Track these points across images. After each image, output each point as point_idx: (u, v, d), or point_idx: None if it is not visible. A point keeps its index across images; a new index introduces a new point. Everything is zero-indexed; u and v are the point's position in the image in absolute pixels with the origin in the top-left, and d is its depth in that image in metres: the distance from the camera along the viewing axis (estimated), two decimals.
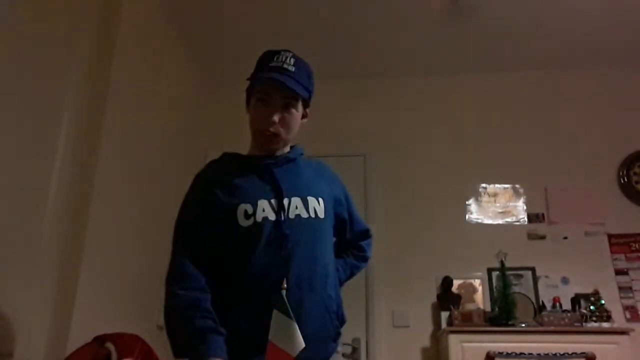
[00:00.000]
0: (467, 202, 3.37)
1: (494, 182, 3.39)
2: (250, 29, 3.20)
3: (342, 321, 1.39)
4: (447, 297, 3.05)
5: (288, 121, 1.41)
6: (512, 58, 3.45)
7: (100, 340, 2.01)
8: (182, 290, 1.26)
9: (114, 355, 1.95)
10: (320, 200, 1.40)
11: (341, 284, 1.51)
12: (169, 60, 3.08)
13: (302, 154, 1.52)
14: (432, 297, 3.15)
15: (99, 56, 2.37)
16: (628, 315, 2.99)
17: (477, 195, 3.38)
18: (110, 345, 1.97)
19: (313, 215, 1.36)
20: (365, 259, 1.62)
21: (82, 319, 2.04)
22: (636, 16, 3.03)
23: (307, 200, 1.37)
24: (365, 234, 1.64)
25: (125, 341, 2.04)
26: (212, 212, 1.35)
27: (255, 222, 1.31)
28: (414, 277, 3.20)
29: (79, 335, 1.99)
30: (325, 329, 1.32)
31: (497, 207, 3.34)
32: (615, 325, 2.74)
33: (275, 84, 1.37)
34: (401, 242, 3.26)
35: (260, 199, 1.34)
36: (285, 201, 1.34)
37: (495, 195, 3.37)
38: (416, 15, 3.07)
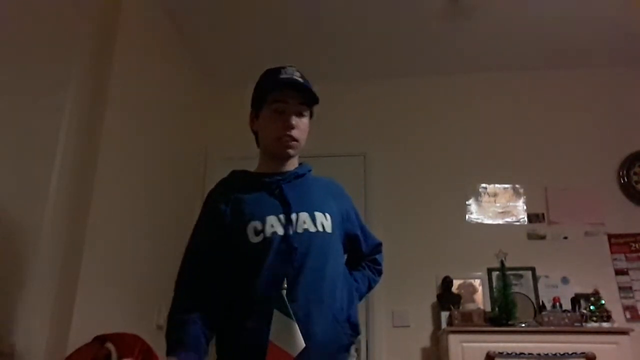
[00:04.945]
0: (467, 202, 3.37)
1: (494, 182, 3.39)
2: (250, 29, 3.20)
3: (355, 331, 1.40)
4: (447, 297, 3.05)
5: (302, 127, 1.46)
6: (512, 58, 3.45)
7: (100, 340, 2.01)
8: (181, 312, 1.32)
9: (114, 355, 1.95)
10: (328, 215, 1.42)
11: (361, 296, 1.53)
12: (169, 60, 3.07)
13: (310, 171, 1.55)
14: (432, 297, 3.15)
15: (99, 57, 2.37)
16: (628, 315, 2.99)
17: (477, 195, 3.38)
18: (110, 345, 1.97)
19: (321, 230, 1.39)
20: (380, 272, 1.65)
21: (82, 319, 2.05)
22: (636, 16, 3.03)
23: (315, 216, 1.40)
24: (378, 248, 1.67)
25: (125, 341, 2.04)
26: (222, 232, 1.39)
27: (264, 237, 1.34)
28: (414, 277, 3.20)
29: (79, 335, 1.99)
30: (336, 339, 1.33)
31: (497, 207, 3.34)
32: (615, 325, 2.74)
33: (290, 91, 1.42)
34: (401, 242, 3.26)
35: (268, 215, 1.37)
36: (293, 216, 1.37)
37: (495, 195, 3.37)
38: (416, 15, 3.07)
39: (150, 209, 2.72)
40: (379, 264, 1.65)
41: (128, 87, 2.51)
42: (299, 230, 1.36)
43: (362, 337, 3.09)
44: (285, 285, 1.24)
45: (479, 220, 3.33)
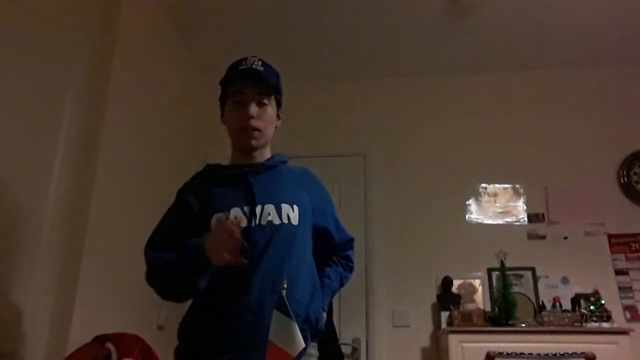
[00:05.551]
0: (467, 202, 3.36)
1: (494, 182, 3.39)
2: (251, 29, 3.20)
3: (313, 327, 1.37)
4: (447, 297, 3.05)
5: (264, 116, 1.46)
6: (512, 58, 3.45)
7: (100, 340, 2.01)
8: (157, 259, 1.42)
9: (114, 355, 1.95)
10: (295, 207, 1.42)
11: (333, 293, 1.53)
12: (169, 60, 3.07)
13: (284, 162, 1.55)
14: (432, 297, 3.15)
15: (99, 56, 2.37)
16: (628, 315, 2.99)
17: (477, 195, 3.38)
18: (110, 345, 1.97)
19: (286, 222, 1.39)
20: (352, 269, 1.64)
21: (82, 319, 2.04)
22: (635, 16, 3.03)
23: (281, 207, 1.40)
24: (350, 243, 1.66)
25: (125, 341, 2.04)
26: (189, 222, 1.41)
27: None
28: (414, 277, 3.20)
29: (79, 335, 1.99)
30: None
31: (497, 207, 3.34)
32: (615, 325, 2.74)
33: (247, 81, 1.44)
34: (401, 242, 3.26)
35: (233, 207, 1.38)
36: (258, 208, 1.38)
37: (495, 195, 3.37)
38: (416, 15, 3.07)
39: (150, 209, 2.70)
40: (351, 261, 1.64)
41: (128, 87, 2.51)
42: (263, 223, 1.36)
43: (361, 337, 3.09)
44: (285, 285, 1.24)
45: (479, 220, 3.32)
